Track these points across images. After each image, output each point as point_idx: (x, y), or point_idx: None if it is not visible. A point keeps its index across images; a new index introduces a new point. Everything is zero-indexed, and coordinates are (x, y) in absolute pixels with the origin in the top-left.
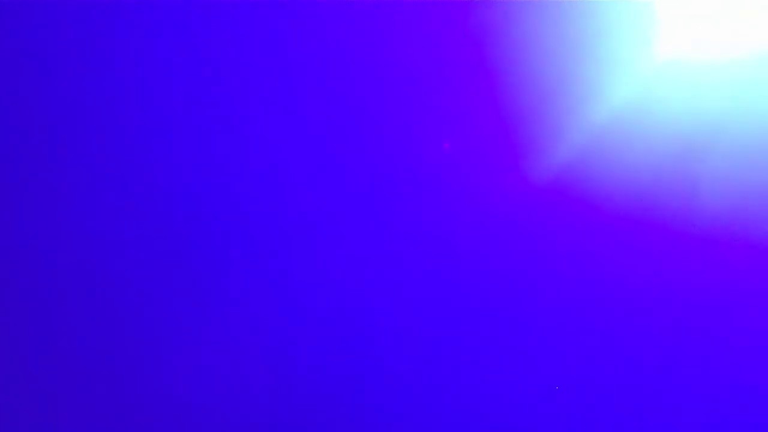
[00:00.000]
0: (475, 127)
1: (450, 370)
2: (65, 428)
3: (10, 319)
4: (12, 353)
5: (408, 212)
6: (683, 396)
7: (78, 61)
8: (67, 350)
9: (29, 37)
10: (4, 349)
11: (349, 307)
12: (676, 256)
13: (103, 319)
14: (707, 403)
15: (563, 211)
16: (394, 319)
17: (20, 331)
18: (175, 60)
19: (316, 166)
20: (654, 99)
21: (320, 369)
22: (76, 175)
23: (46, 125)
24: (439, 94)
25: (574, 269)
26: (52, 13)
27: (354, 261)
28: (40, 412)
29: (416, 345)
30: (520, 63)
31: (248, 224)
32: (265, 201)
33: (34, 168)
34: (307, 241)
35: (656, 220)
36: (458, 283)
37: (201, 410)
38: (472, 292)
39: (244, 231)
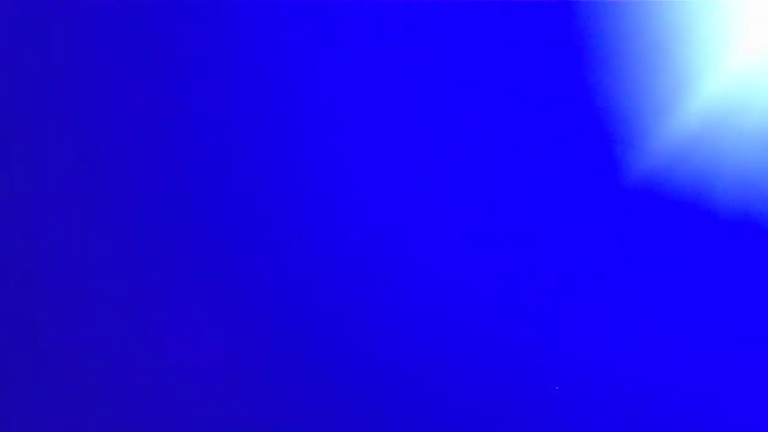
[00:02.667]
0: (569, 126)
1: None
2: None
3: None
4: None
5: (502, 210)
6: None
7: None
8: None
9: (30, 38)
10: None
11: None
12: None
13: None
14: None
15: (656, 209)
16: (492, 311)
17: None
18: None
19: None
20: (744, 96)
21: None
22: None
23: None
24: (535, 92)
25: (668, 265)
26: (52, 13)
27: (450, 256)
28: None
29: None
30: (613, 63)
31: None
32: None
33: (40, 167)
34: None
35: (747, 218)
36: (551, 281)
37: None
38: (565, 290)
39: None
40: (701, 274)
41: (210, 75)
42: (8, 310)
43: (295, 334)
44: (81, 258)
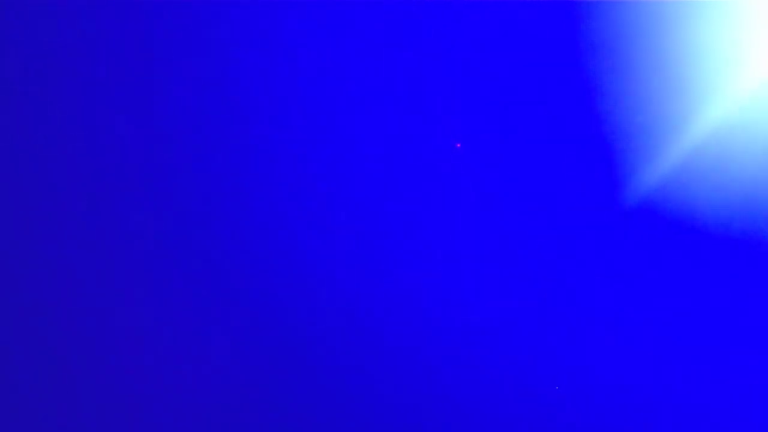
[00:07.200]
0: (573, 141)
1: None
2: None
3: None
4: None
5: (503, 222)
6: None
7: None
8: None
9: (32, 38)
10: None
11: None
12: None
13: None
14: None
15: (656, 228)
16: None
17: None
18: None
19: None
20: (749, 119)
21: None
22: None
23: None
24: (539, 106)
25: (666, 281)
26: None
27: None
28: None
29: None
30: (620, 78)
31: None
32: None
33: (39, 167)
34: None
35: (750, 239)
36: (553, 297)
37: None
38: (568, 306)
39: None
40: (703, 290)
41: (207, 75)
42: (8, 311)
43: (293, 335)
44: (79, 260)
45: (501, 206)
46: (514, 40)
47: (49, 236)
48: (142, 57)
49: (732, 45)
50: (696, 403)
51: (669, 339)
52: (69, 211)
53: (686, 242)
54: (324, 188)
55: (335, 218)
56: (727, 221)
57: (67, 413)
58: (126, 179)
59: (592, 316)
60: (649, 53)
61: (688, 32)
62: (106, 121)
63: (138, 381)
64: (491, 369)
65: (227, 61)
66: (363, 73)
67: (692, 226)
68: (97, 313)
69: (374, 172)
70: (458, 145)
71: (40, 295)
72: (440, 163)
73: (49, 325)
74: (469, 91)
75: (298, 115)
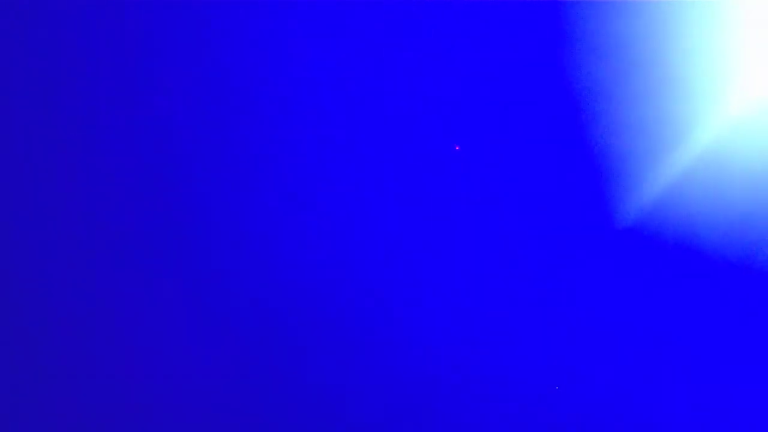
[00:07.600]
0: (564, 168)
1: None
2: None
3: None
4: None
5: (498, 232)
6: None
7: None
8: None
9: (31, 37)
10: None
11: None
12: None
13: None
14: None
15: (646, 253)
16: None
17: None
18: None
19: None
20: (737, 144)
21: None
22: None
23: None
24: (530, 133)
25: (657, 307)
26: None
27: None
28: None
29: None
30: (608, 105)
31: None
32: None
33: (37, 167)
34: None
35: (737, 262)
36: (543, 321)
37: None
38: (557, 330)
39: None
40: (692, 316)
41: (206, 76)
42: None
43: (292, 336)
44: (78, 259)
45: (497, 215)
46: (513, 47)
47: (48, 236)
48: (142, 57)
49: (727, 61)
50: (687, 422)
51: (664, 350)
52: (69, 211)
53: (681, 260)
54: (321, 189)
55: (333, 219)
56: (722, 238)
57: (66, 413)
58: (123, 178)
59: (589, 322)
60: (648, 68)
61: (687, 48)
62: (105, 120)
63: (135, 380)
64: (491, 371)
65: (227, 61)
66: (362, 75)
67: (687, 244)
68: (95, 313)
69: (373, 174)
70: (457, 148)
71: (39, 295)
72: (438, 166)
73: (47, 324)
74: (468, 95)
75: (296, 116)
